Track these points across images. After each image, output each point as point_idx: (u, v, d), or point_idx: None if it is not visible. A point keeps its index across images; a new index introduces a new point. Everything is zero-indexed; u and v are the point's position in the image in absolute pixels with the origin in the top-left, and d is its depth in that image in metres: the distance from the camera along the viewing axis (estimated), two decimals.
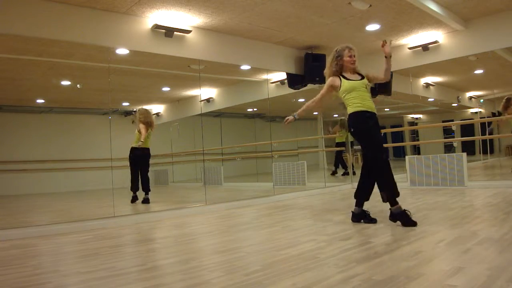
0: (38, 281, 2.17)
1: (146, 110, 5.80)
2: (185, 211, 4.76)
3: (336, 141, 8.60)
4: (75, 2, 3.95)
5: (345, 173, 8.52)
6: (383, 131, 8.66)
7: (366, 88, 3.39)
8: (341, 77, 3.41)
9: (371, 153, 3.28)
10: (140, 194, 5.63)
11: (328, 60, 3.51)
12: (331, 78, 3.44)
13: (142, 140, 5.45)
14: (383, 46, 3.33)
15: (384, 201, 3.22)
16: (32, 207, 6.24)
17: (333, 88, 3.43)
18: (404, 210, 3.13)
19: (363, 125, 3.29)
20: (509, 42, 5.16)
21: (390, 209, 3.19)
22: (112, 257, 2.67)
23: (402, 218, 3.10)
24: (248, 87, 7.41)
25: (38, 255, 2.95)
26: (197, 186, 8.61)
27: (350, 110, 3.36)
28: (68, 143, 8.29)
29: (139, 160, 5.64)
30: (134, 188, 5.63)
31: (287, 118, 3.60)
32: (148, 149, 5.68)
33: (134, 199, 5.57)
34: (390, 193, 3.18)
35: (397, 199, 3.18)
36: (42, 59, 5.16)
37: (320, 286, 1.82)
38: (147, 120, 5.62)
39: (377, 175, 3.28)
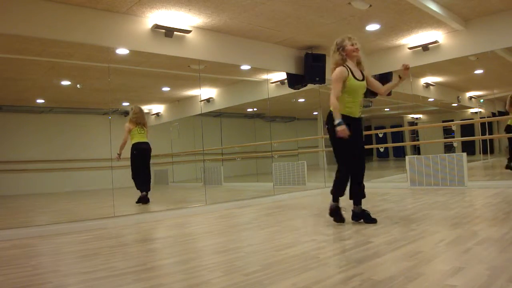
0: (38, 281, 2.17)
1: (140, 109, 5.72)
2: (185, 211, 4.76)
3: None
4: (75, 2, 3.95)
5: None
6: (383, 131, 8.69)
7: (363, 92, 3.34)
8: (347, 68, 3.25)
9: (336, 159, 3.39)
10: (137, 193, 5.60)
11: (330, 55, 3.38)
12: (339, 70, 3.23)
13: (123, 143, 5.49)
14: (405, 69, 3.28)
15: (331, 192, 3.45)
16: (32, 207, 6.24)
17: (344, 80, 3.23)
18: (339, 207, 3.40)
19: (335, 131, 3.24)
20: (509, 42, 5.15)
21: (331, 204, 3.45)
22: (112, 257, 2.67)
23: (332, 212, 3.41)
24: (248, 87, 7.41)
25: (38, 255, 2.95)
26: (197, 186, 8.61)
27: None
28: (68, 143, 8.29)
29: (145, 153, 5.58)
30: (140, 185, 5.49)
31: (341, 130, 3.10)
32: (149, 144, 5.66)
33: (143, 199, 5.41)
34: (334, 193, 3.42)
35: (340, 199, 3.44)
36: (42, 59, 5.15)
37: (320, 286, 1.82)
38: (139, 121, 5.59)
39: (335, 179, 3.41)
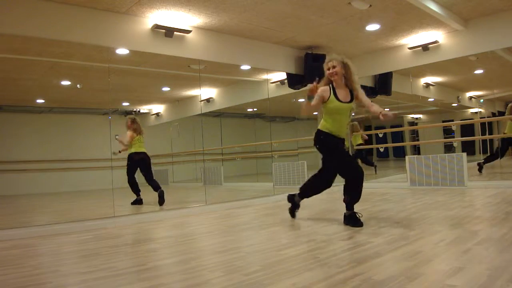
0: (38, 281, 2.17)
1: (135, 119, 5.76)
2: (185, 211, 4.76)
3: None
4: (75, 2, 3.95)
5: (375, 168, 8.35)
6: (383, 131, 8.69)
7: (349, 113, 3.30)
8: (331, 88, 3.25)
9: (337, 170, 3.37)
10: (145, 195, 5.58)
11: None
12: (321, 88, 3.23)
13: (126, 145, 5.50)
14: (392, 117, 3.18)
15: (344, 201, 3.33)
16: (32, 207, 6.24)
17: (323, 99, 3.25)
18: (355, 213, 3.25)
19: (327, 144, 3.31)
20: (509, 42, 5.15)
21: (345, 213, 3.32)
22: (112, 257, 2.67)
23: (348, 221, 3.25)
24: (248, 87, 7.41)
25: (38, 255, 2.95)
26: (197, 186, 8.61)
27: (321, 126, 3.35)
28: (68, 143, 8.29)
29: (142, 162, 5.54)
30: (136, 191, 5.50)
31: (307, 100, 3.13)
32: (146, 153, 5.64)
33: (138, 202, 5.44)
34: (349, 201, 3.29)
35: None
36: (42, 59, 5.15)
37: (320, 286, 1.82)
38: (140, 129, 5.60)
39: (352, 187, 3.28)
